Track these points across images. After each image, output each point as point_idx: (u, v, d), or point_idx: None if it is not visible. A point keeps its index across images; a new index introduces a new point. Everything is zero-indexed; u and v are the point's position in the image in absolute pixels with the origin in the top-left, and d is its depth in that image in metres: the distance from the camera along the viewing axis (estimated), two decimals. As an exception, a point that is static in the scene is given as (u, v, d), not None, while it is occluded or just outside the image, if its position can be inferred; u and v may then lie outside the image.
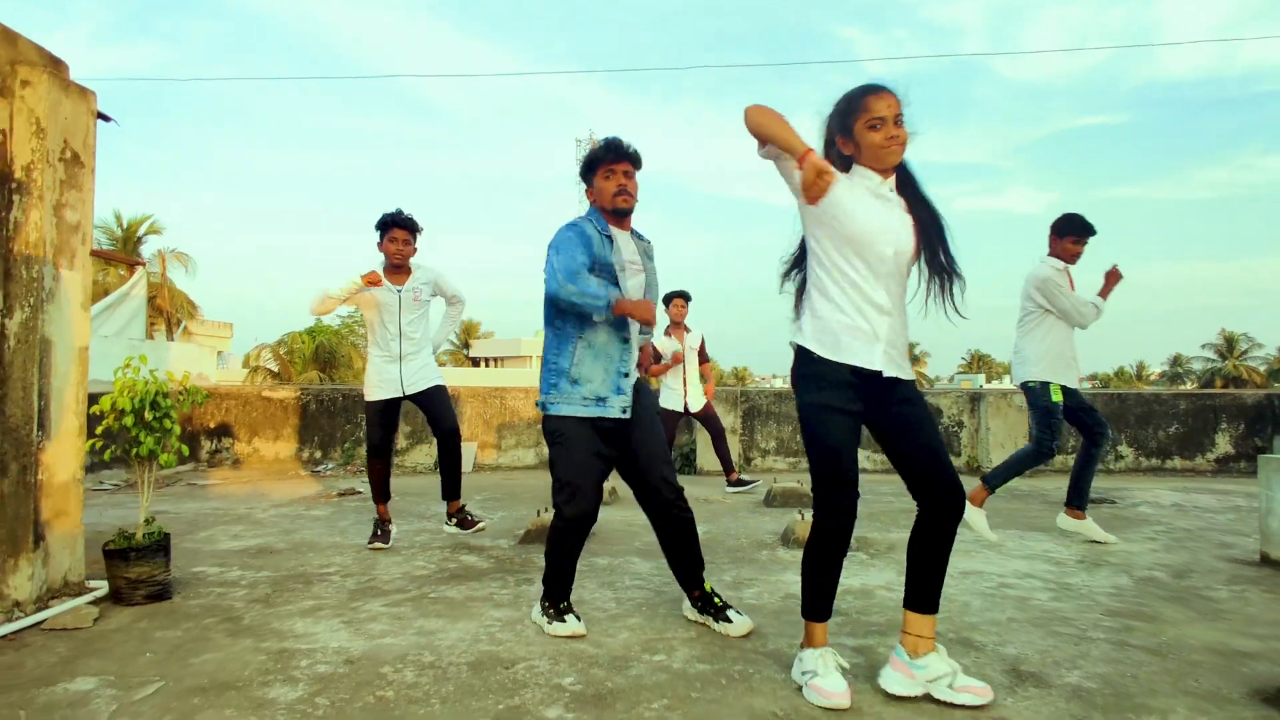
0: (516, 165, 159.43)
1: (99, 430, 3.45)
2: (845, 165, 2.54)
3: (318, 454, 9.05)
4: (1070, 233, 4.89)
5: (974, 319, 2.61)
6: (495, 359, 57.32)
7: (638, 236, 3.31)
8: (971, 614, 3.43)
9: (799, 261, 2.69)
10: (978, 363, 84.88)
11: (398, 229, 4.60)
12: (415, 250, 4.75)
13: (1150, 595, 3.79)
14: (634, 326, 3.19)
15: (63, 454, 3.49)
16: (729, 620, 3.12)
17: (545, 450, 9.03)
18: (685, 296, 7.11)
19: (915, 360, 64.75)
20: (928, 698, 2.45)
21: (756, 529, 5.33)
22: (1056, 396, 4.88)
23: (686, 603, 3.30)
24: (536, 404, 3.25)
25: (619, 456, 3.22)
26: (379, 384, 4.72)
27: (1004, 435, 8.83)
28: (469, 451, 8.82)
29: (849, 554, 4.48)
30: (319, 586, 3.78)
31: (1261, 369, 52.36)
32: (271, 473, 8.47)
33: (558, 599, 3.17)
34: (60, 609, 3.20)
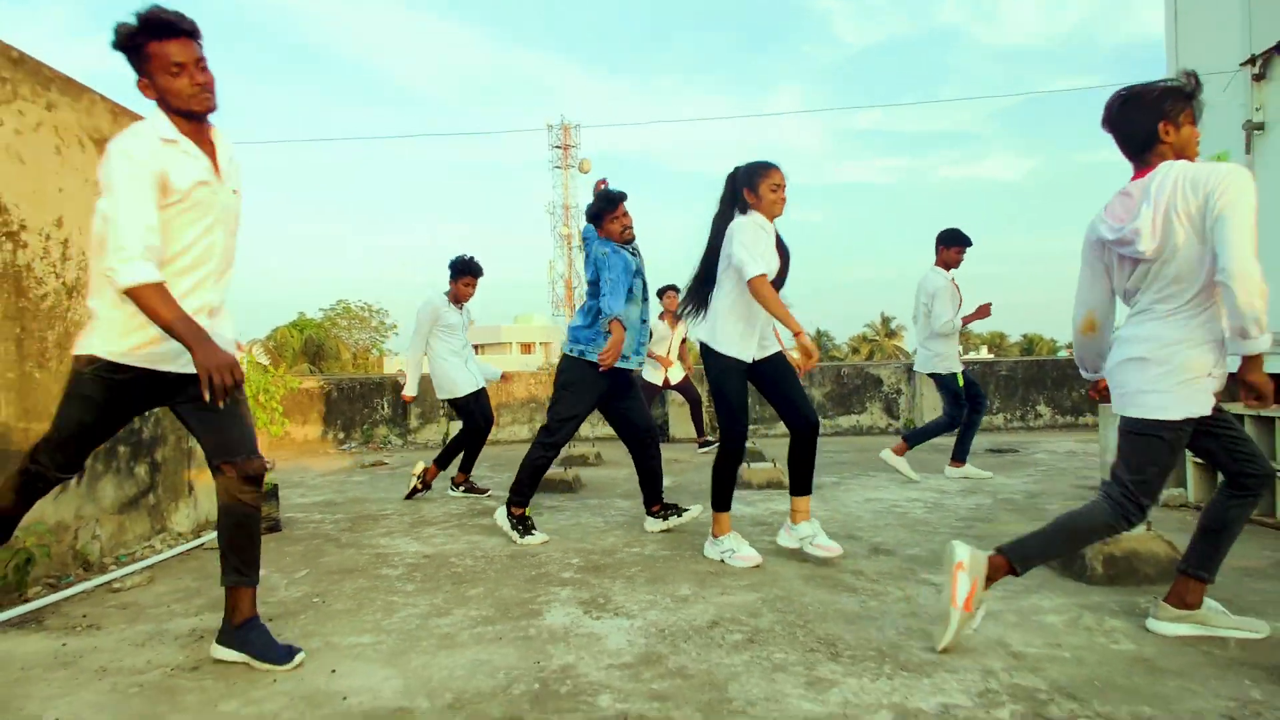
0: (491, 150, 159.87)
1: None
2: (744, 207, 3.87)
3: (341, 435, 10.33)
4: (955, 244, 6.22)
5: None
6: (475, 346, 58.49)
7: (634, 252, 4.62)
8: (862, 522, 4.78)
9: (696, 291, 4.04)
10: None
11: (473, 276, 5.92)
12: None
13: (1000, 510, 5.16)
14: (650, 312, 4.57)
15: (199, 428, 4.77)
16: (686, 510, 4.54)
17: (536, 425, 10.37)
18: (676, 289, 8.52)
19: (892, 334, 66.47)
20: (802, 555, 3.82)
21: (716, 477, 6.68)
22: (960, 381, 6.27)
23: (648, 519, 4.64)
24: (569, 350, 4.49)
25: (610, 407, 4.53)
26: (465, 381, 5.92)
27: (936, 400, 10.12)
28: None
29: (783, 489, 5.84)
30: (385, 522, 5.10)
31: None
32: (304, 452, 9.75)
33: (522, 504, 4.45)
34: (213, 535, 4.51)
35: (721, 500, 3.94)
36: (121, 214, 2.45)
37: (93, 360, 2.64)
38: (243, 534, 2.70)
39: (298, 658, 2.64)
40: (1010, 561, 2.71)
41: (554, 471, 6.21)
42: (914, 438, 6.41)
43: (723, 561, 3.85)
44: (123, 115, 4.40)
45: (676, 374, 8.68)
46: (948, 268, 6.26)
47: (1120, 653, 2.63)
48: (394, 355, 49.32)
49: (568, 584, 3.56)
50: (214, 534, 4.54)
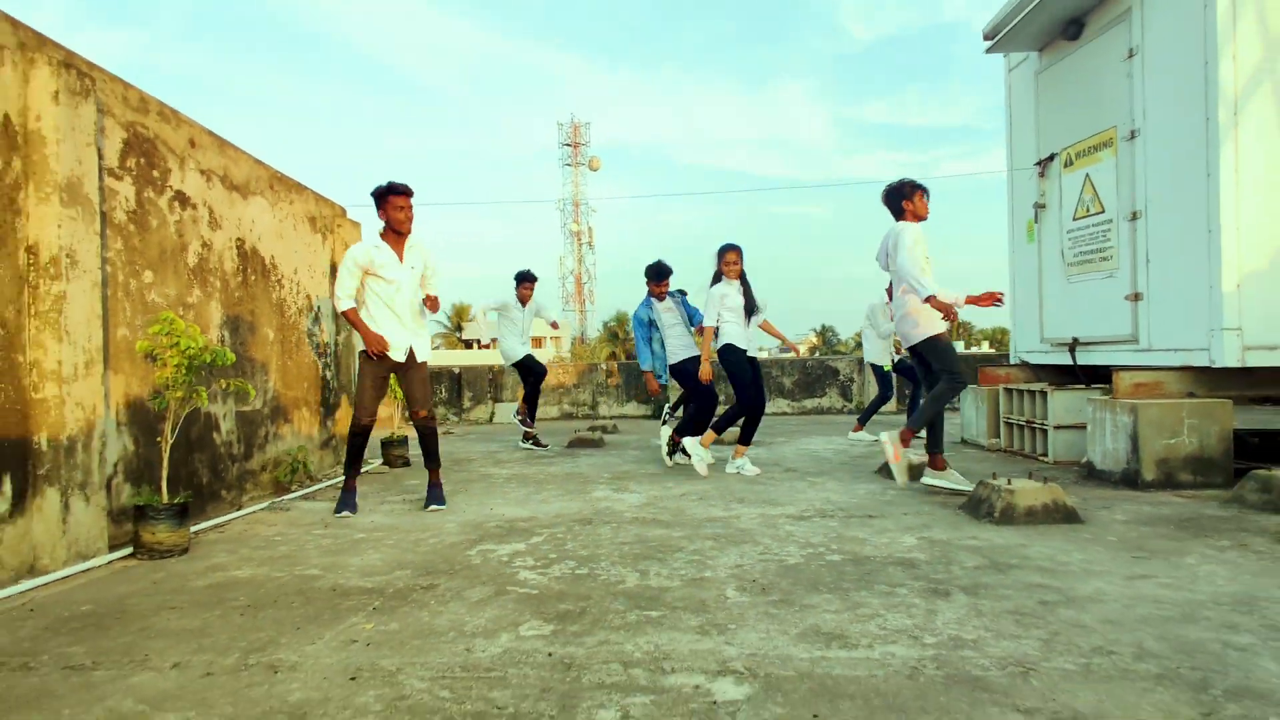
0: (497, 142, 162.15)
1: (377, 386, 7.33)
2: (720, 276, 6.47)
3: (406, 415, 12.93)
4: None
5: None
6: (492, 340, 60.58)
7: (671, 295, 7.20)
8: (788, 459, 7.37)
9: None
10: (957, 330, 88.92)
11: (530, 282, 8.57)
12: None
13: (878, 455, 7.71)
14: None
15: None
16: (686, 454, 7.11)
17: (564, 405, 12.98)
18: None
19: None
20: (739, 475, 6.41)
21: (700, 438, 9.29)
22: (888, 368, 8.92)
23: (664, 428, 7.25)
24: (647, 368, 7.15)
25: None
26: (519, 352, 8.67)
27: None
28: (513, 409, 12.72)
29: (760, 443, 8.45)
30: (475, 462, 7.71)
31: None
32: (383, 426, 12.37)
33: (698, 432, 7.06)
34: (371, 466, 7.14)
35: (703, 429, 6.55)
36: (338, 277, 5.03)
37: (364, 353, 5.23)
38: (429, 441, 5.33)
39: (444, 506, 5.25)
40: (910, 429, 5.31)
41: (587, 434, 8.83)
42: (864, 419, 9.06)
43: (696, 470, 6.45)
44: (322, 202, 7.03)
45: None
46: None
47: (882, 499, 5.23)
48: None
49: (604, 483, 6.17)
50: (372, 465, 7.20)
